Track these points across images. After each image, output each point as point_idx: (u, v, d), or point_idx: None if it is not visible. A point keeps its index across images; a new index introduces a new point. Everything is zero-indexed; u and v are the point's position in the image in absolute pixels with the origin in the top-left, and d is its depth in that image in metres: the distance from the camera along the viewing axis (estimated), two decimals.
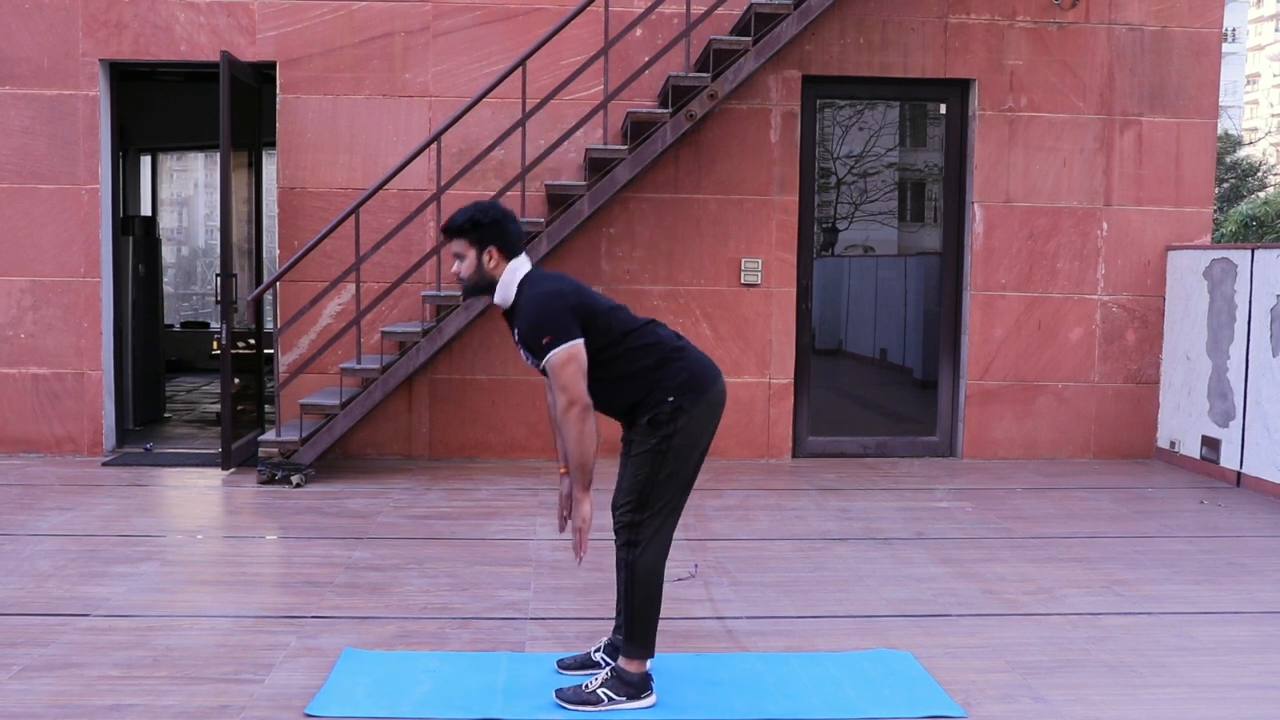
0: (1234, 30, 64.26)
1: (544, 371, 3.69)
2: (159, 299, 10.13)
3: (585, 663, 4.00)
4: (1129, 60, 8.14)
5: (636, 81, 7.44)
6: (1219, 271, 7.66)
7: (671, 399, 3.66)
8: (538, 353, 3.62)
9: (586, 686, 3.74)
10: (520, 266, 3.73)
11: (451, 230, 3.72)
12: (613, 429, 3.88)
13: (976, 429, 8.22)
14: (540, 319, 3.60)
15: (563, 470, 3.82)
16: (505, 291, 3.72)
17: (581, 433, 3.58)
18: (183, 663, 4.07)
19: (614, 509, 3.76)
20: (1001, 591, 5.07)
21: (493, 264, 3.71)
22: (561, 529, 3.97)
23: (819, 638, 4.46)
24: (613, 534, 3.77)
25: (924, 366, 8.54)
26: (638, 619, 3.71)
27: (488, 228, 3.68)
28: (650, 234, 7.94)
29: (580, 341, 3.60)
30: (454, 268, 3.78)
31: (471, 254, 3.71)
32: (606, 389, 3.71)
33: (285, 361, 7.84)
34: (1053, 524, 6.37)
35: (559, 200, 7.35)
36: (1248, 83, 71.87)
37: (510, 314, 3.76)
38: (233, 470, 7.48)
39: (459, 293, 7.23)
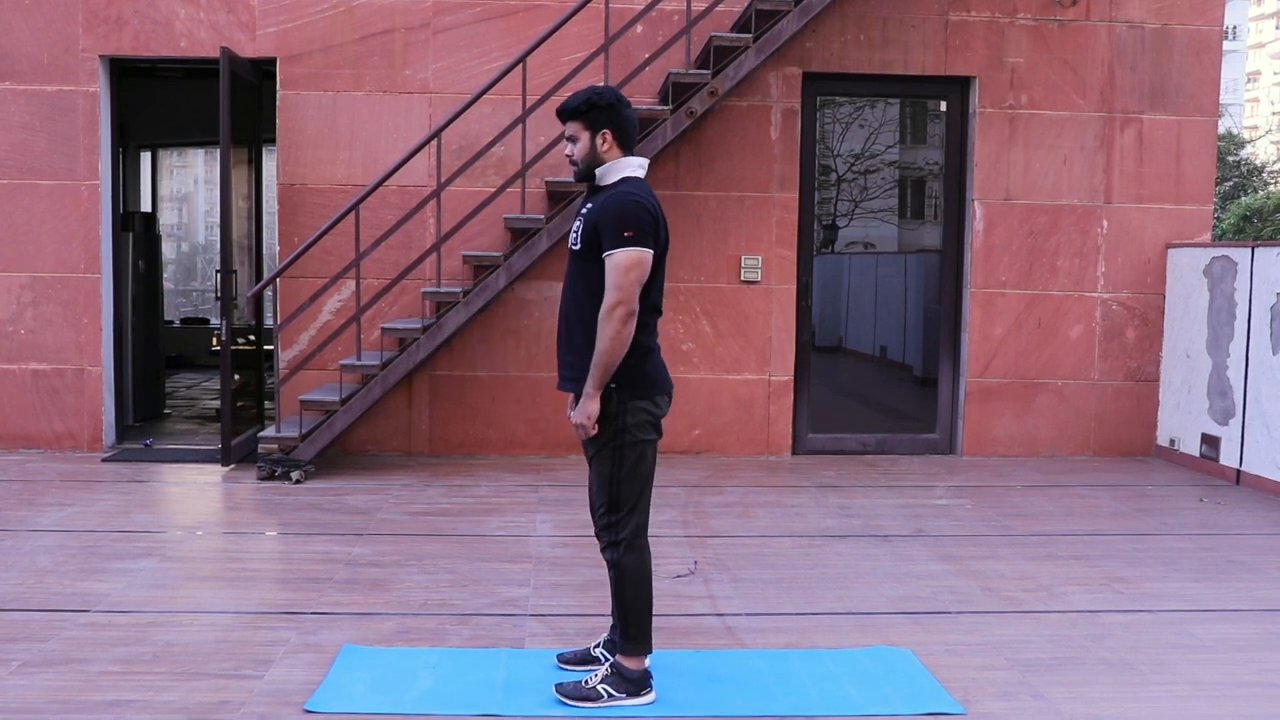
0: (1234, 28, 64.26)
1: (574, 259, 3.64)
2: (159, 295, 10.14)
3: (585, 658, 4.01)
4: (1130, 58, 8.14)
5: (637, 78, 7.43)
6: (1219, 269, 7.66)
7: (613, 385, 3.61)
8: (610, 240, 3.53)
9: (586, 682, 3.74)
10: (634, 165, 3.68)
11: (565, 112, 3.68)
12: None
13: (976, 426, 8.22)
14: (633, 214, 3.54)
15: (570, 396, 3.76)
16: (608, 173, 3.67)
17: (619, 333, 3.52)
18: (182, 658, 4.07)
19: (592, 514, 3.78)
20: (1001, 589, 5.07)
21: (606, 147, 3.67)
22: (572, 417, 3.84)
23: (818, 635, 4.46)
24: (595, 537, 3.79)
25: (924, 364, 8.54)
26: (632, 615, 3.72)
27: (603, 110, 3.65)
28: None
29: (651, 254, 3.56)
30: (566, 150, 3.73)
31: (585, 136, 3.67)
32: (585, 317, 3.63)
33: (285, 358, 7.84)
34: (1052, 521, 6.37)
35: (559, 197, 7.35)
36: (1248, 80, 71.85)
37: (593, 193, 3.70)
38: (233, 466, 7.48)
39: (458, 289, 7.25)
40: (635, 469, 3.69)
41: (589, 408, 3.59)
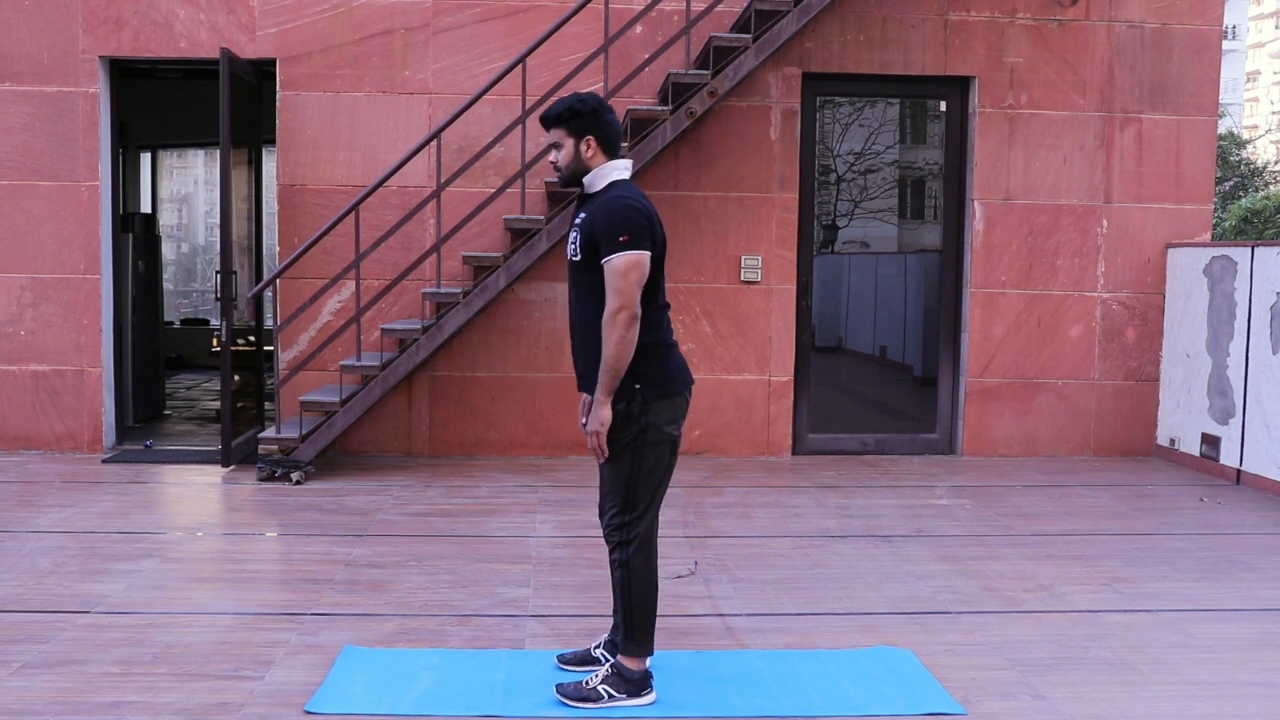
0: (1234, 27, 64.22)
1: (575, 269, 3.67)
2: (159, 296, 10.14)
3: (585, 658, 4.01)
4: (1129, 57, 8.14)
5: (636, 79, 7.43)
6: (1219, 269, 7.66)
7: (638, 385, 3.62)
8: (606, 247, 3.55)
9: (587, 683, 3.74)
10: (620, 168, 3.70)
11: (549, 119, 3.70)
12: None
13: (976, 426, 8.22)
14: (625, 218, 3.55)
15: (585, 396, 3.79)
16: (595, 179, 3.69)
17: (624, 338, 3.53)
18: (182, 660, 4.07)
19: (601, 515, 3.77)
20: (1001, 589, 5.08)
21: (590, 154, 3.69)
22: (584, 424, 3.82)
23: (819, 635, 4.46)
24: (603, 537, 3.78)
25: (924, 364, 8.54)
26: (636, 617, 3.72)
27: (586, 116, 3.66)
28: None
29: (649, 255, 3.57)
30: (551, 156, 3.76)
31: (569, 143, 3.69)
32: (598, 327, 3.64)
33: (285, 358, 7.84)
34: (1052, 521, 6.37)
35: (559, 197, 7.35)
36: (1248, 80, 71.82)
37: (584, 201, 3.73)
38: (233, 467, 7.48)
39: (458, 290, 7.25)
40: (653, 470, 3.69)
41: (601, 414, 3.60)
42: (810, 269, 8.21)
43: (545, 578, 5.13)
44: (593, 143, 3.67)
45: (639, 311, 3.55)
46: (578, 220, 3.70)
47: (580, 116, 3.66)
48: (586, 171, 3.70)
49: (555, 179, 7.19)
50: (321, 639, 4.30)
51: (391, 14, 7.80)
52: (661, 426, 3.67)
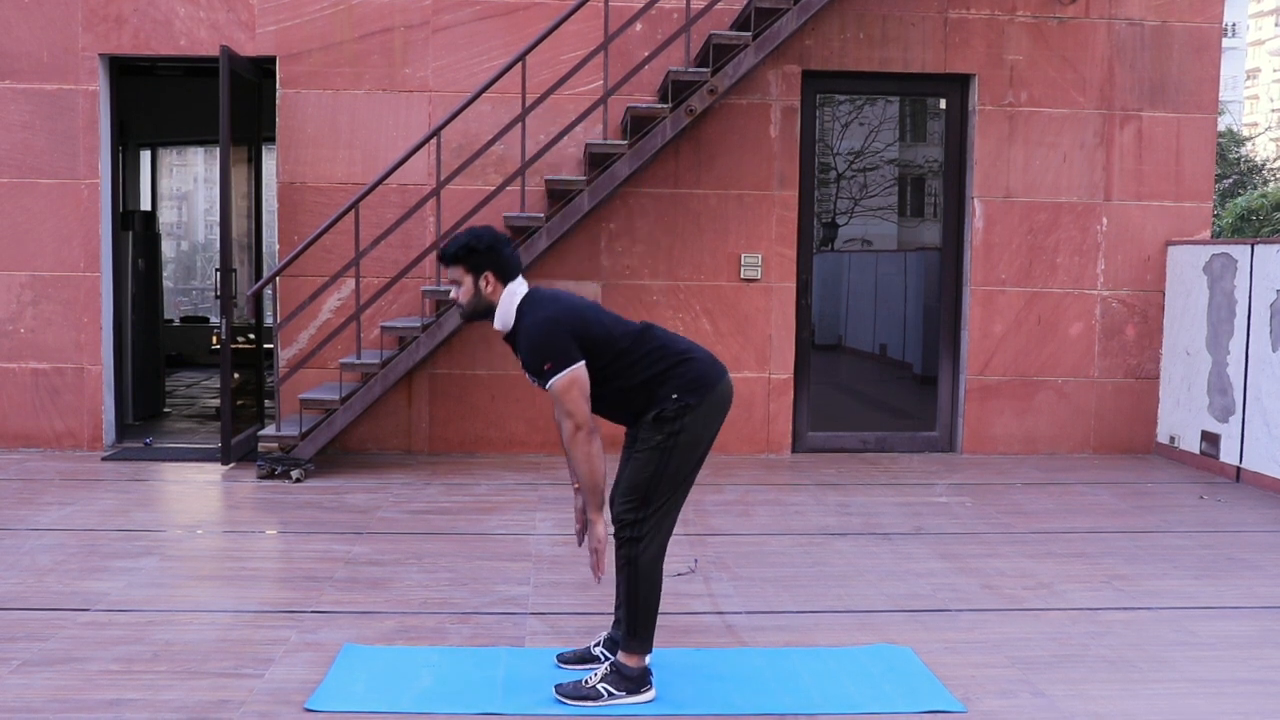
0: (1234, 25, 64.16)
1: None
2: (159, 294, 10.13)
3: (585, 657, 4.01)
4: (1129, 55, 8.13)
5: (636, 77, 7.43)
6: (1219, 266, 7.66)
7: (676, 396, 3.67)
8: (541, 377, 3.65)
9: (586, 681, 3.74)
10: (517, 290, 3.74)
11: (446, 258, 3.75)
12: (615, 424, 3.89)
13: (976, 424, 8.22)
14: (540, 345, 3.63)
15: (576, 485, 3.84)
16: (505, 317, 3.74)
17: (589, 455, 3.62)
18: (182, 657, 4.07)
19: (614, 505, 3.76)
20: (1001, 586, 5.08)
21: (489, 289, 3.73)
22: (580, 543, 3.96)
23: (818, 633, 4.46)
24: (612, 531, 3.78)
25: (924, 362, 8.54)
26: (639, 614, 3.72)
27: (482, 254, 3.71)
28: (650, 229, 7.93)
29: (581, 365, 3.63)
30: (451, 294, 3.82)
31: (468, 280, 3.73)
32: (612, 401, 3.75)
33: (285, 356, 7.84)
34: (1052, 519, 6.37)
35: (559, 195, 7.34)
36: (1248, 78, 71.78)
37: (512, 337, 3.79)
38: (232, 465, 7.49)
39: None
40: (679, 470, 3.71)
41: (598, 532, 3.70)
42: (810, 267, 8.21)
43: (545, 575, 5.13)
44: (491, 278, 3.71)
45: (592, 424, 3.62)
46: (521, 362, 3.75)
47: (476, 254, 3.70)
48: (488, 306, 3.74)
49: (558, 177, 7.23)
50: (321, 637, 4.30)
51: (391, 12, 7.80)
52: (698, 430, 3.71)
